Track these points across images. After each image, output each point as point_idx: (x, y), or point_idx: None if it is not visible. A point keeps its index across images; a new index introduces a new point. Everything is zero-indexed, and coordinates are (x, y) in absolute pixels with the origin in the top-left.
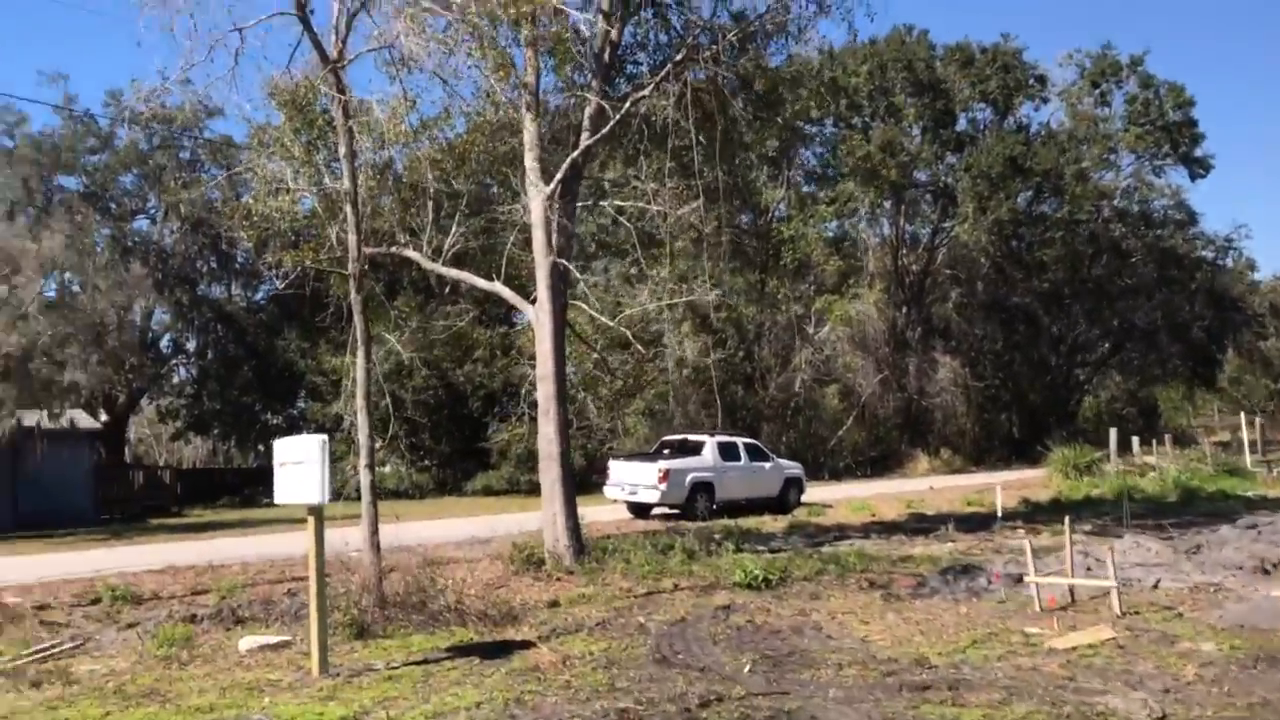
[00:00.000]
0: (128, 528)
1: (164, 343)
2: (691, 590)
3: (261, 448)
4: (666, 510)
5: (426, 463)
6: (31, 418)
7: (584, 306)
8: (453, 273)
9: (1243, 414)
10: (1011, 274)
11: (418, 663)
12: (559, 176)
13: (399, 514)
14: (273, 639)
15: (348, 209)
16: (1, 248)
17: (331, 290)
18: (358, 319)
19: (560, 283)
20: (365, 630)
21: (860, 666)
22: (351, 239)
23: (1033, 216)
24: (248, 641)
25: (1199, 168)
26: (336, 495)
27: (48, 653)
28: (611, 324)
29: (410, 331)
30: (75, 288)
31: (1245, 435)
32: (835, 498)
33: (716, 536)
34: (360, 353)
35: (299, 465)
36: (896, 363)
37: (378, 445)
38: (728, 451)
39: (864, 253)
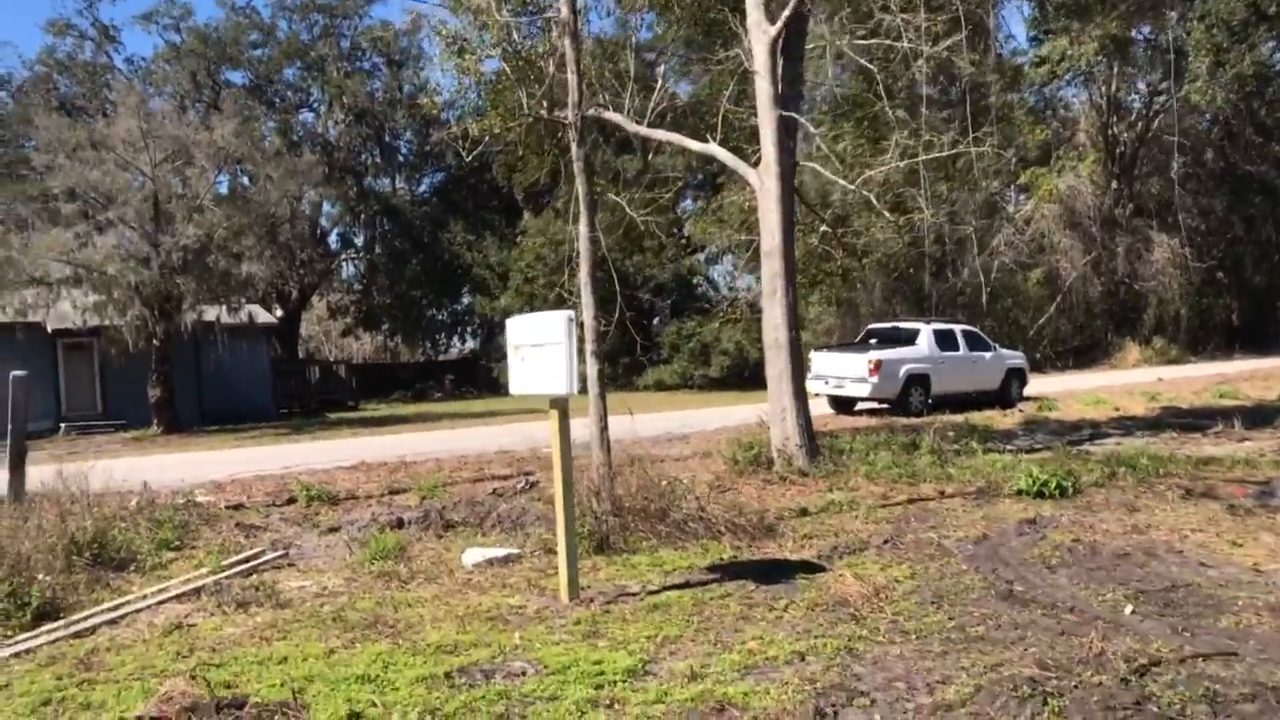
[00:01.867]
0: (308, 423)
1: (332, 238)
2: (964, 499)
3: (429, 343)
4: (875, 405)
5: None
6: (211, 312)
7: (819, 169)
8: (660, 134)
9: None
10: (1249, 138)
11: (679, 586)
12: (787, 12)
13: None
14: (499, 551)
15: (566, 43)
16: (174, 138)
17: (500, 178)
18: (579, 178)
19: (788, 140)
20: (605, 543)
21: None
22: (571, 79)
23: (1276, 71)
24: (473, 555)
25: None
26: (499, 388)
27: (251, 564)
28: (853, 187)
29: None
30: (246, 180)
31: None
32: (1052, 391)
33: (950, 434)
34: (583, 218)
35: (538, 349)
36: (1105, 243)
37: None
38: (944, 340)
39: (1075, 120)
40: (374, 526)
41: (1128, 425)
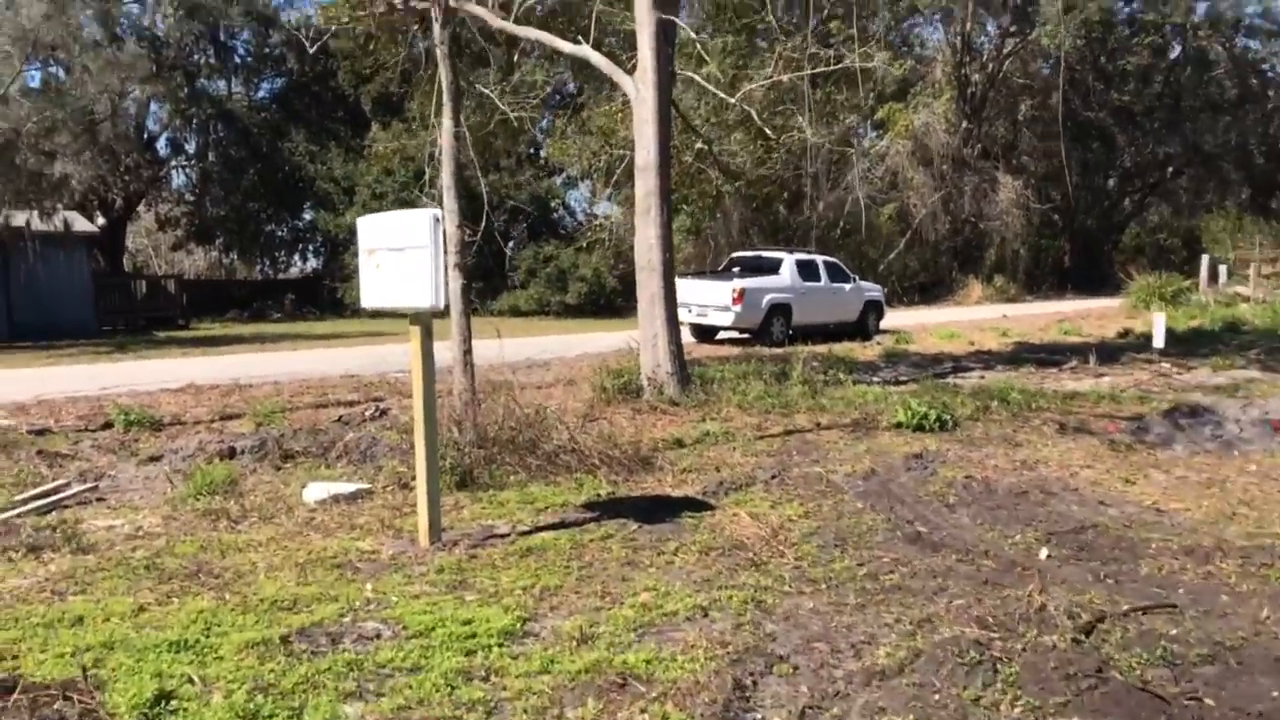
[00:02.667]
0: (133, 340)
1: (161, 143)
2: (842, 431)
3: (268, 260)
4: (736, 334)
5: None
6: (21, 218)
7: (697, 78)
8: (528, 31)
9: None
10: (1091, 85)
11: (553, 526)
12: None
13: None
14: (347, 486)
15: None
16: None
17: (347, 85)
18: (443, 65)
19: (667, 47)
20: (468, 477)
21: (1199, 554)
22: None
23: (1120, 19)
24: (316, 490)
25: None
26: (342, 309)
27: (51, 499)
28: (733, 100)
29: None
30: (61, 74)
31: None
32: (904, 324)
33: (816, 364)
34: (446, 110)
35: (398, 255)
36: (954, 182)
37: (467, 239)
38: (807, 270)
39: (931, 59)
40: (202, 456)
41: (986, 360)
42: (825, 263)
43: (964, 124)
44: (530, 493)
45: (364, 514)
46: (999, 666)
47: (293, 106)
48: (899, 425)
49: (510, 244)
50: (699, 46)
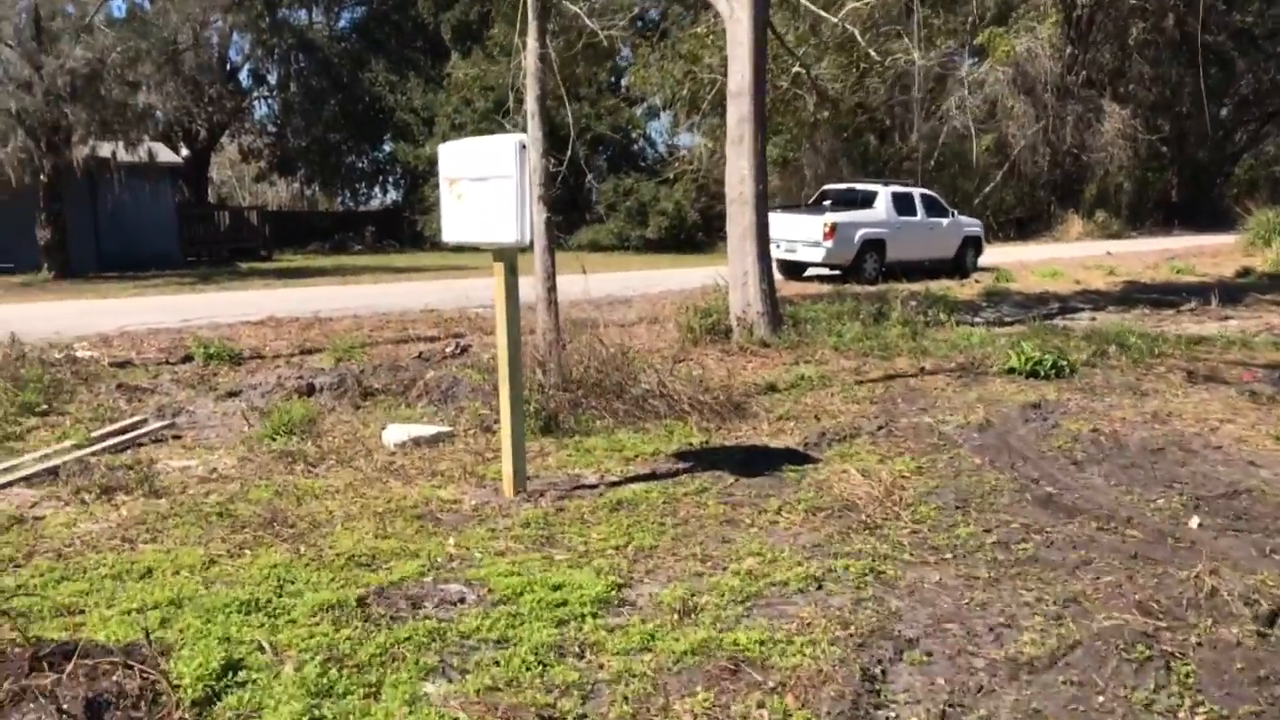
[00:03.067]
0: (216, 271)
1: (244, 74)
2: (948, 377)
3: (348, 192)
4: (827, 271)
5: None
6: (107, 149)
7: None
8: None
9: None
10: (1214, 4)
11: (644, 478)
12: None
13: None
14: (428, 429)
15: None
16: None
17: (426, 14)
18: None
19: None
20: (553, 422)
21: None
22: None
23: None
24: (396, 432)
25: None
26: (423, 242)
27: (128, 436)
28: (836, 19)
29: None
30: (145, 4)
31: None
32: (1002, 262)
33: (914, 304)
34: (531, 30)
35: (481, 185)
36: (1057, 111)
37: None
38: (902, 204)
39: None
40: (280, 393)
41: (1094, 300)
42: (922, 196)
43: (1069, 49)
44: (618, 440)
45: (445, 459)
46: (1172, 664)
47: (373, 36)
48: (1011, 371)
49: (590, 176)
50: None
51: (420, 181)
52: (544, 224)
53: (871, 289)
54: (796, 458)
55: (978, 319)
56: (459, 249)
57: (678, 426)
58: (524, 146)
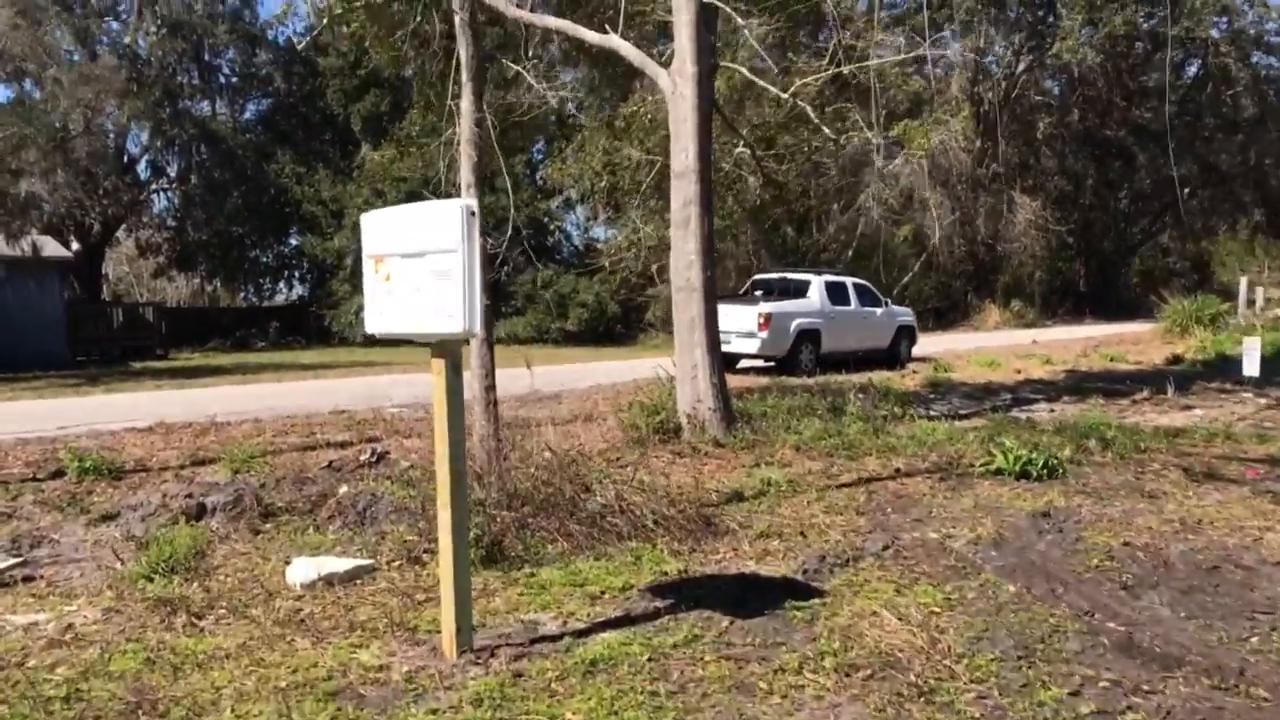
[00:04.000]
0: (106, 372)
1: (142, 166)
2: (930, 479)
3: (252, 287)
4: (760, 363)
5: None
6: None
7: (742, 71)
8: (551, 21)
9: None
10: (1115, 102)
11: (618, 623)
12: None
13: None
14: (342, 564)
15: None
16: None
17: (335, 105)
18: (462, 38)
19: (708, 35)
20: (497, 549)
21: None
22: None
23: (1142, 34)
24: (303, 569)
25: None
26: (330, 337)
27: None
28: (785, 95)
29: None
30: (36, 93)
31: None
32: (932, 351)
33: (863, 397)
34: (466, 93)
35: (415, 261)
36: (970, 203)
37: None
38: (836, 294)
39: (947, 72)
40: (165, 515)
41: (1043, 390)
42: (855, 285)
43: (979, 143)
44: (578, 570)
45: (366, 603)
46: None
47: (279, 127)
48: (999, 472)
49: (504, 268)
50: (747, 33)
51: (328, 275)
52: (483, 312)
53: (809, 381)
54: (797, 590)
55: (931, 411)
56: (374, 343)
57: (645, 550)
58: (473, 213)
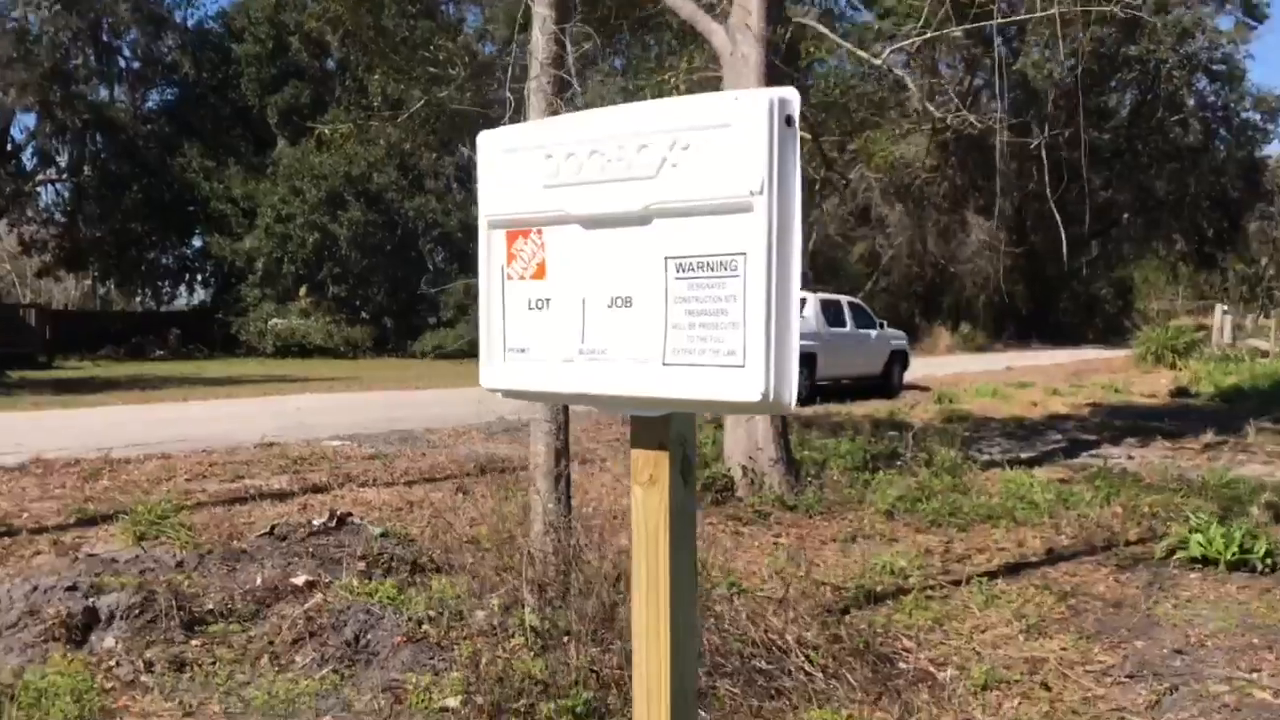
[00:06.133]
0: None
1: (28, 154)
2: (1095, 565)
3: (150, 291)
4: None
5: (364, 315)
6: None
7: (818, 28)
8: None
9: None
10: (1071, 121)
11: None
12: None
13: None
14: None
15: None
16: None
17: (250, 96)
18: None
19: None
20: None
21: None
22: None
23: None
24: None
25: (1252, 16)
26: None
27: None
28: (878, 61)
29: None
30: None
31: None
32: (909, 378)
33: (892, 433)
34: None
35: (636, 236)
36: (922, 222)
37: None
38: (832, 314)
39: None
40: (32, 629)
41: (1083, 427)
42: (849, 304)
43: (929, 161)
44: None
45: None
46: None
47: (186, 118)
48: (1201, 561)
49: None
50: None
51: (236, 279)
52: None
53: (805, 411)
54: None
55: (985, 455)
56: (287, 353)
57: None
58: (789, 119)
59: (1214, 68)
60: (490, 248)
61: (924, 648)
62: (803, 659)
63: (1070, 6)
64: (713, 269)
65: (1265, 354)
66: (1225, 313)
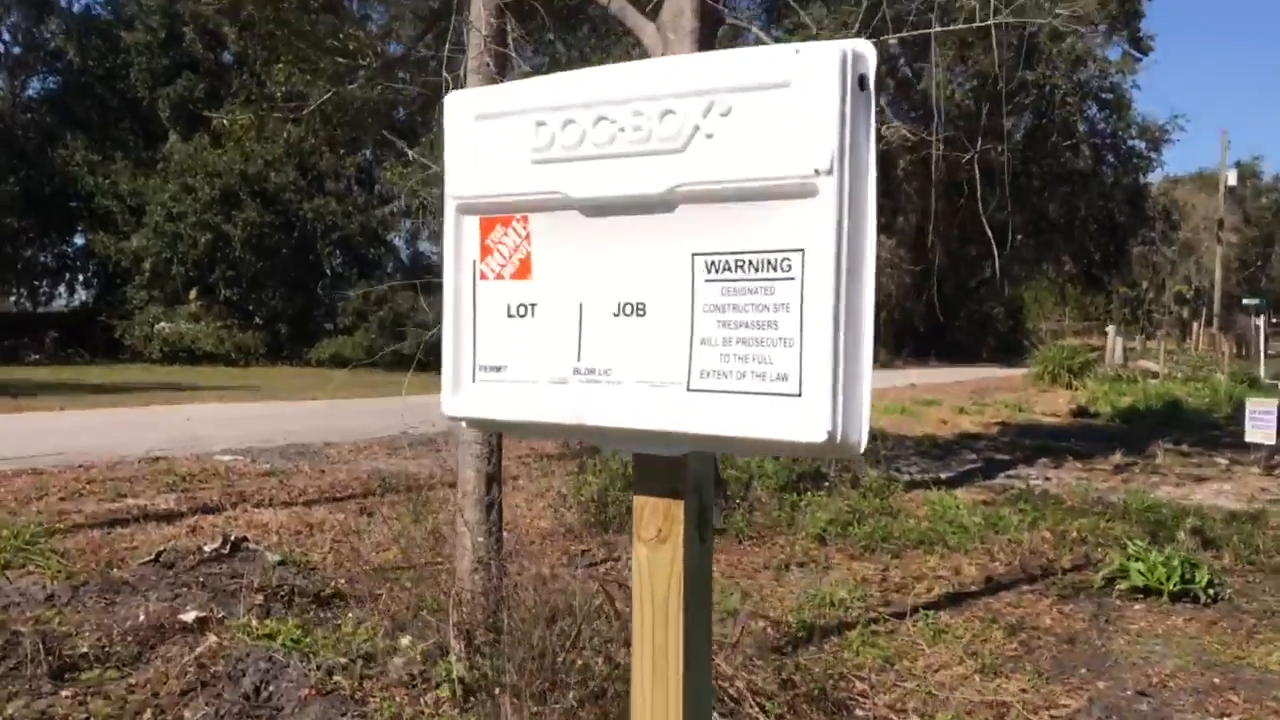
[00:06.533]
0: None
1: None
2: (1036, 595)
3: (24, 290)
4: None
5: (257, 320)
6: None
7: (755, 31)
8: None
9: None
10: (972, 141)
11: None
12: None
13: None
14: None
15: None
16: None
17: (140, 88)
18: None
19: None
20: None
21: None
22: None
23: (1007, 76)
24: None
25: (1138, 49)
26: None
27: None
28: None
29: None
30: None
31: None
32: None
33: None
34: None
35: (649, 224)
36: None
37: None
38: None
39: None
40: None
41: (993, 446)
42: None
43: None
44: None
45: None
46: None
47: (70, 109)
48: (1141, 591)
49: (325, 280)
50: None
51: (120, 280)
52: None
53: None
54: None
55: (905, 475)
56: (175, 359)
57: None
58: (863, 82)
59: (1103, 96)
60: (458, 238)
61: (879, 690)
62: (757, 709)
63: (969, 25)
64: (758, 269)
65: (1156, 375)
66: (1117, 335)
